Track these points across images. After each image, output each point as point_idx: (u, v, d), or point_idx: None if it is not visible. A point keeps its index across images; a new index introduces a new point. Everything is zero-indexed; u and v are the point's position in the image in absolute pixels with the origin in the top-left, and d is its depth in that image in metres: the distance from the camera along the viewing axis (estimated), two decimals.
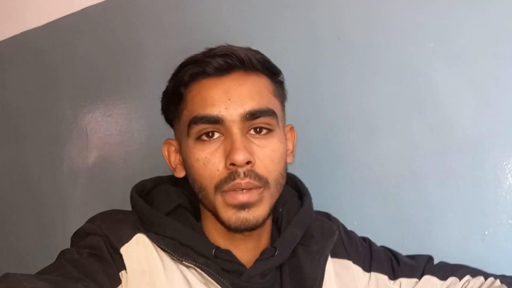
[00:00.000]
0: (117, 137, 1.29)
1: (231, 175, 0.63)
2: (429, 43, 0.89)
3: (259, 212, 0.65)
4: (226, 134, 0.65)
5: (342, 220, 0.85)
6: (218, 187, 0.64)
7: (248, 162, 0.63)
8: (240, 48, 0.69)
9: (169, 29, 1.22)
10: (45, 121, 1.42)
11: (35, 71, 1.46)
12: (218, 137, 0.65)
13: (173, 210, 0.72)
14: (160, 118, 1.19)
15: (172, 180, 0.79)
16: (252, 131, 0.66)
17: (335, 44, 0.98)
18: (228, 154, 0.63)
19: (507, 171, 0.82)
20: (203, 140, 0.66)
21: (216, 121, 0.64)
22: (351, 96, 0.95)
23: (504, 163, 0.82)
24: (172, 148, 0.74)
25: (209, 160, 0.65)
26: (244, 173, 0.63)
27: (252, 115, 0.65)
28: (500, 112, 0.83)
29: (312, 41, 1.00)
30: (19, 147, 1.46)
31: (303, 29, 1.02)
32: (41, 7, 1.47)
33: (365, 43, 0.95)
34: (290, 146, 0.76)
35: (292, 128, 0.77)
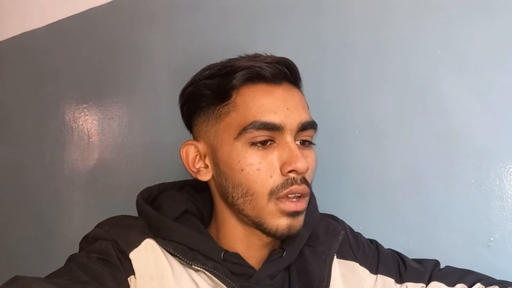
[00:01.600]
0: (119, 140, 1.28)
1: (288, 181, 0.65)
2: (435, 50, 0.89)
3: (302, 219, 0.68)
4: (280, 142, 0.66)
5: (347, 224, 0.85)
6: (273, 193, 0.65)
7: (307, 170, 0.66)
8: (287, 59, 0.71)
9: (171, 32, 1.22)
10: (46, 123, 1.41)
11: (35, 73, 1.46)
12: (271, 144, 0.66)
13: (180, 215, 0.72)
14: (162, 121, 1.19)
15: (177, 186, 0.79)
16: (298, 142, 0.69)
17: (341, 50, 0.98)
18: (286, 161, 0.65)
19: (508, 175, 0.82)
20: (257, 146, 0.66)
21: (277, 128, 0.65)
22: (356, 102, 0.95)
23: (510, 169, 0.82)
24: (192, 150, 0.73)
25: (263, 166, 0.65)
26: (301, 180, 0.66)
27: (304, 127, 0.68)
28: (506, 119, 0.83)
29: (318, 47, 1.01)
30: (20, 149, 1.45)
31: (308, 35, 1.02)
32: (42, 8, 1.47)
33: (371, 50, 0.95)
34: None
35: None
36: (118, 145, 1.28)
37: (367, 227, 0.91)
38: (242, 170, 0.66)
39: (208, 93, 0.70)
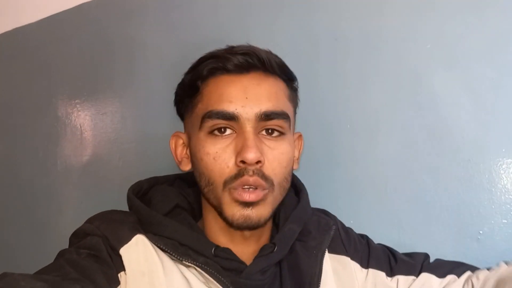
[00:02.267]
0: (112, 135, 1.28)
1: (240, 172, 0.64)
2: (426, 44, 0.89)
3: (262, 211, 0.66)
4: (239, 131, 0.66)
5: (339, 218, 0.86)
6: (227, 183, 0.65)
7: (258, 162, 0.64)
8: (261, 49, 0.70)
9: (165, 27, 1.21)
10: (38, 118, 1.40)
11: (28, 68, 1.45)
12: (230, 133, 0.66)
13: (171, 210, 0.72)
14: (155, 116, 1.19)
15: (168, 180, 0.79)
16: (264, 132, 0.67)
17: (332, 45, 0.98)
18: (239, 151, 0.64)
19: (501, 171, 0.83)
20: (215, 135, 0.66)
21: (232, 117, 0.65)
22: (348, 97, 0.96)
23: (499, 164, 0.83)
24: (180, 141, 0.75)
25: (219, 156, 0.65)
26: (253, 171, 0.64)
27: (267, 116, 0.66)
28: (496, 114, 0.84)
29: (309, 42, 1.00)
30: (12, 145, 1.45)
31: (300, 30, 1.02)
32: (35, 3, 1.46)
33: (362, 44, 0.95)
34: (296, 153, 0.77)
35: (300, 136, 0.79)
36: (111, 140, 1.28)
37: (358, 221, 0.91)
38: (201, 159, 0.66)
39: (185, 86, 0.72)
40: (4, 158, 1.46)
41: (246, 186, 0.64)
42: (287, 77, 0.73)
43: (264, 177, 0.65)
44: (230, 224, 0.66)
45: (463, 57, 0.87)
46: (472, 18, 0.86)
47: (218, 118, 0.65)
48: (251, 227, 0.66)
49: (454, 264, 0.78)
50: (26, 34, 1.47)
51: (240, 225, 0.66)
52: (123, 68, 1.27)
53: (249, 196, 0.64)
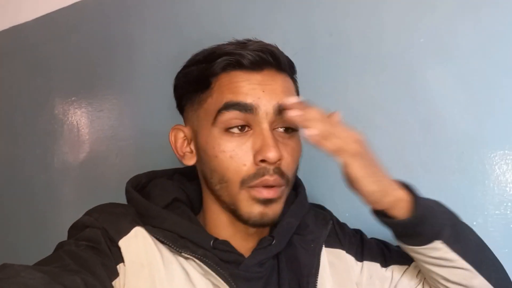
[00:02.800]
0: (109, 132, 1.29)
1: (260, 171, 0.64)
2: (419, 38, 0.90)
3: (277, 208, 0.67)
4: (256, 128, 0.65)
5: (334, 212, 0.86)
6: (245, 182, 0.64)
7: (278, 160, 0.64)
8: (272, 45, 0.70)
9: (162, 24, 1.22)
10: (36, 116, 1.41)
11: (26, 66, 1.45)
12: (247, 131, 0.65)
13: (169, 203, 0.72)
14: (152, 113, 1.20)
15: (166, 174, 0.79)
16: (279, 129, 0.67)
17: (327, 40, 0.99)
18: (258, 150, 0.63)
19: (494, 163, 0.84)
20: (231, 132, 0.65)
21: (249, 109, 0.64)
22: (342, 91, 0.96)
23: (492, 156, 0.84)
24: (181, 135, 0.73)
25: (236, 154, 0.64)
26: (273, 170, 0.64)
27: (283, 109, 0.65)
28: (488, 107, 0.85)
29: (304, 37, 1.01)
30: (10, 142, 1.45)
31: (295, 25, 1.03)
32: (33, 1, 1.46)
33: (357, 40, 0.96)
34: None
35: None
36: (108, 137, 1.28)
37: (353, 214, 0.92)
38: (216, 156, 0.65)
39: (192, 79, 0.70)
40: (1, 155, 1.47)
41: (263, 185, 0.64)
42: (293, 73, 0.73)
43: (282, 174, 0.65)
44: (245, 221, 0.66)
45: (457, 51, 0.88)
46: (466, 12, 0.87)
47: (235, 109, 0.64)
48: (266, 224, 0.67)
49: None
50: (24, 32, 1.47)
51: (256, 222, 0.66)
52: (121, 65, 1.28)
53: (268, 193, 0.64)
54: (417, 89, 0.90)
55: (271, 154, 0.62)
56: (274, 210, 0.66)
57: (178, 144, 0.73)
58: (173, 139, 0.73)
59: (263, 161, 0.63)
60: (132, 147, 1.24)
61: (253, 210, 0.65)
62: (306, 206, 0.78)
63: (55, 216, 1.34)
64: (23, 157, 1.42)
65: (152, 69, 1.22)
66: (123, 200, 0.74)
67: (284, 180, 0.66)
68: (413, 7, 0.91)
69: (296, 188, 0.79)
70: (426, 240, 0.64)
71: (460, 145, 0.86)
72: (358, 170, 0.60)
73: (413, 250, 0.67)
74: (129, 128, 1.25)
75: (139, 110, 1.24)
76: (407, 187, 0.66)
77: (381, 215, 0.66)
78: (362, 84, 0.95)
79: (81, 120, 1.33)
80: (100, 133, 1.30)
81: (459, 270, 0.65)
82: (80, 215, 0.70)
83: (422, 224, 0.63)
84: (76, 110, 1.34)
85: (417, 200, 0.63)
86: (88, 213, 0.68)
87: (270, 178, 0.64)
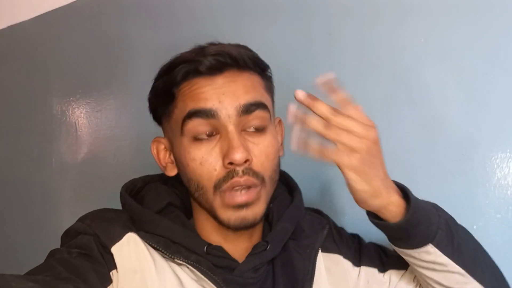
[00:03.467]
0: (107, 132, 1.28)
1: (230, 174, 0.63)
2: (419, 39, 0.89)
3: (257, 210, 0.66)
4: (222, 132, 0.65)
5: (332, 215, 0.85)
6: (217, 186, 0.64)
7: (246, 161, 0.63)
8: (231, 45, 0.69)
9: (159, 23, 1.21)
10: (33, 116, 1.40)
11: (23, 66, 1.45)
12: (214, 136, 0.65)
13: (163, 208, 0.72)
14: (149, 113, 1.18)
15: (162, 178, 0.79)
16: (249, 129, 0.66)
17: (326, 39, 0.97)
18: (225, 153, 0.63)
19: (495, 166, 0.83)
20: (199, 140, 0.65)
21: (211, 114, 0.64)
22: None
23: (493, 158, 0.83)
24: (162, 146, 0.74)
25: (206, 160, 0.64)
26: (243, 171, 0.63)
27: (246, 109, 0.65)
28: (489, 108, 0.83)
29: (303, 37, 1.00)
30: (8, 142, 1.45)
31: (294, 24, 1.01)
32: (30, 0, 1.45)
33: (355, 39, 0.95)
34: (279, 139, 0.76)
35: (280, 121, 0.77)
36: (106, 138, 1.28)
37: (351, 217, 0.91)
38: (188, 165, 0.66)
39: (159, 93, 0.71)
40: None
41: (237, 187, 0.64)
42: (261, 69, 0.72)
43: (254, 174, 0.64)
44: (227, 226, 0.66)
45: (456, 52, 0.86)
46: (465, 12, 0.86)
47: (197, 117, 0.64)
48: (248, 226, 0.66)
49: None
50: (21, 32, 1.47)
51: (237, 226, 0.66)
52: (118, 66, 1.27)
53: (241, 198, 0.64)
54: (417, 90, 0.89)
55: (237, 156, 0.62)
56: (254, 212, 0.66)
57: (161, 156, 0.74)
58: (155, 151, 0.74)
59: (231, 163, 0.63)
60: (130, 148, 1.24)
61: (230, 216, 0.65)
62: (301, 211, 0.77)
63: (52, 216, 1.34)
64: (20, 157, 1.42)
65: (149, 69, 1.19)
66: (119, 200, 0.73)
67: (258, 179, 0.65)
68: (413, 7, 0.90)
69: (292, 192, 0.79)
70: (417, 243, 0.63)
71: (460, 147, 0.85)
72: (352, 164, 0.58)
73: (405, 253, 0.66)
74: (126, 128, 1.25)
75: (137, 110, 1.23)
76: (403, 190, 0.65)
77: (373, 216, 0.65)
78: (360, 84, 0.94)
79: (78, 120, 1.33)
80: (98, 133, 1.29)
81: (452, 274, 0.64)
82: (77, 215, 0.70)
83: (413, 228, 0.62)
84: (74, 110, 1.34)
85: (410, 204, 0.62)
86: (81, 219, 0.68)
87: (240, 179, 0.63)
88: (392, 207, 0.62)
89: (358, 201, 0.63)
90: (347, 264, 0.77)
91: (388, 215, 0.63)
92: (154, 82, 0.73)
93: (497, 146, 0.83)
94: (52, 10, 1.40)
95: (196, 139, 0.65)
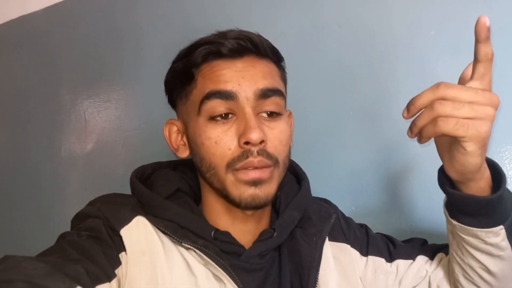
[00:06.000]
0: (116, 123, 1.29)
1: (244, 154, 0.64)
2: (430, 31, 0.89)
3: (269, 189, 0.66)
4: (239, 113, 0.66)
5: (340, 205, 0.86)
6: (230, 165, 0.65)
7: (261, 142, 0.64)
8: (252, 33, 0.70)
9: (169, 15, 1.21)
10: (43, 106, 1.41)
11: (33, 56, 1.45)
12: (231, 117, 0.66)
13: (172, 194, 0.72)
14: (158, 104, 1.18)
15: (171, 165, 0.80)
16: (263, 114, 0.67)
17: (336, 31, 0.97)
18: (242, 133, 0.64)
19: (504, 159, 0.83)
20: (215, 120, 0.66)
21: (230, 96, 0.65)
22: (350, 83, 0.95)
23: (502, 150, 0.83)
24: (174, 128, 0.75)
25: (221, 139, 0.65)
26: (257, 152, 0.64)
27: (264, 94, 0.66)
28: (499, 102, 0.83)
29: (313, 28, 1.00)
30: (17, 132, 1.46)
31: (304, 16, 1.01)
32: None
33: (365, 31, 0.95)
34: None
35: (290, 114, 0.79)
36: (114, 128, 1.28)
37: (360, 208, 0.91)
38: (202, 144, 0.66)
39: (178, 74, 0.71)
40: (9, 144, 1.47)
41: (250, 167, 0.64)
42: (277, 59, 0.73)
43: (269, 155, 0.65)
44: (238, 205, 0.66)
45: (467, 44, 0.85)
46: (476, 4, 0.85)
47: (216, 97, 0.65)
48: (259, 206, 0.67)
49: (446, 244, 0.78)
50: (31, 22, 1.47)
51: (249, 204, 0.66)
52: (128, 56, 1.27)
53: (254, 174, 0.65)
54: (427, 82, 0.87)
55: (254, 135, 0.63)
56: (266, 191, 0.66)
57: (173, 138, 0.75)
58: (167, 133, 0.75)
59: (247, 143, 0.64)
60: (138, 138, 1.24)
61: (243, 191, 0.65)
62: (309, 199, 0.78)
63: (61, 206, 1.34)
64: (29, 147, 1.42)
65: (158, 60, 1.21)
66: (128, 190, 0.74)
67: (271, 161, 0.66)
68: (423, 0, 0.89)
69: (300, 181, 0.79)
70: (493, 222, 0.62)
71: None
72: (480, 134, 0.54)
73: (469, 232, 0.64)
74: (135, 118, 1.25)
75: (146, 101, 1.24)
76: (492, 165, 0.63)
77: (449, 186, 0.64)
78: (370, 77, 0.94)
79: (88, 110, 1.33)
80: (107, 124, 1.30)
81: (504, 261, 0.64)
82: (86, 204, 0.70)
83: (500, 205, 0.61)
84: (83, 100, 1.34)
85: (503, 179, 0.61)
86: (91, 203, 0.69)
87: (254, 160, 0.64)
88: (482, 182, 0.61)
89: (460, 173, 0.60)
90: (354, 253, 0.77)
91: (476, 190, 0.61)
92: (173, 64, 0.74)
93: (507, 139, 0.83)
94: (63, 1, 1.41)
95: (213, 118, 0.66)
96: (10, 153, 1.47)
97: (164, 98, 1.16)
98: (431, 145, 0.87)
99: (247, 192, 0.65)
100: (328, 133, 0.97)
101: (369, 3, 0.95)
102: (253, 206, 0.66)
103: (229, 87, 0.65)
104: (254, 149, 0.64)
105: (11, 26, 1.52)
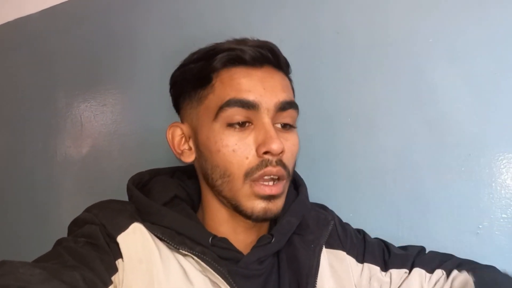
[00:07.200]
0: (112, 127, 1.28)
1: (263, 163, 0.65)
2: (428, 38, 0.89)
3: (280, 203, 0.68)
4: (257, 123, 0.66)
5: (337, 212, 0.86)
6: (248, 174, 0.65)
7: (281, 152, 0.65)
8: (271, 43, 0.71)
9: (166, 19, 1.21)
10: (39, 109, 1.40)
11: (29, 59, 1.45)
12: (248, 125, 0.66)
13: (169, 200, 0.72)
14: (155, 108, 1.19)
15: (168, 172, 0.80)
16: (277, 125, 0.68)
17: (334, 38, 0.98)
18: (261, 143, 0.65)
19: (501, 166, 0.83)
20: (233, 127, 0.66)
21: (252, 106, 0.65)
22: (349, 90, 0.95)
23: (499, 158, 0.83)
24: (178, 132, 0.74)
25: (239, 147, 0.65)
26: (276, 162, 0.65)
27: (283, 106, 0.67)
28: (496, 108, 0.83)
29: (311, 35, 1.00)
30: (13, 135, 1.45)
31: (302, 22, 1.01)
32: None
33: (363, 38, 0.95)
34: None
35: None
36: (111, 132, 1.28)
37: (357, 214, 0.91)
38: (218, 151, 0.66)
39: (191, 77, 0.71)
40: (4, 148, 1.46)
41: (267, 177, 0.65)
42: (289, 73, 0.75)
43: (284, 166, 0.67)
44: (248, 216, 0.67)
45: (464, 52, 0.86)
46: (474, 12, 0.86)
47: (238, 106, 0.65)
48: (269, 219, 0.68)
49: (444, 256, 0.78)
50: (28, 25, 1.47)
51: (260, 217, 0.67)
52: (124, 60, 1.27)
53: (271, 190, 0.65)
54: (424, 89, 0.89)
55: (275, 146, 0.64)
56: (278, 205, 0.67)
57: (176, 142, 0.74)
58: (170, 136, 0.74)
59: (266, 153, 0.65)
60: (135, 143, 1.24)
61: (256, 205, 0.66)
62: (307, 206, 0.78)
63: (56, 210, 1.34)
64: (25, 150, 1.42)
65: (155, 65, 1.21)
66: (124, 194, 0.74)
67: (286, 172, 0.67)
68: (421, 6, 0.90)
69: (298, 187, 0.79)
70: None
71: (467, 147, 0.85)
72: None
73: None
74: (131, 123, 1.25)
75: (142, 105, 1.23)
76: None
77: None
78: (368, 83, 0.94)
79: (84, 114, 1.33)
80: (103, 128, 1.29)
81: None
82: (81, 209, 0.70)
83: None
84: (79, 104, 1.34)
85: None
86: (88, 209, 0.69)
87: (273, 169, 0.65)
88: None
89: None
90: (350, 260, 0.77)
91: None
92: (183, 67, 0.73)
93: (504, 146, 0.83)
94: (60, 4, 1.40)
95: (230, 125, 0.66)
96: (5, 157, 1.46)
97: (161, 102, 1.16)
98: (428, 151, 0.88)
99: (260, 206, 0.66)
100: (326, 139, 0.97)
101: (367, 11, 0.95)
102: (263, 219, 0.67)
103: (251, 97, 0.65)
104: (273, 159, 0.65)
105: (7, 29, 1.51)
